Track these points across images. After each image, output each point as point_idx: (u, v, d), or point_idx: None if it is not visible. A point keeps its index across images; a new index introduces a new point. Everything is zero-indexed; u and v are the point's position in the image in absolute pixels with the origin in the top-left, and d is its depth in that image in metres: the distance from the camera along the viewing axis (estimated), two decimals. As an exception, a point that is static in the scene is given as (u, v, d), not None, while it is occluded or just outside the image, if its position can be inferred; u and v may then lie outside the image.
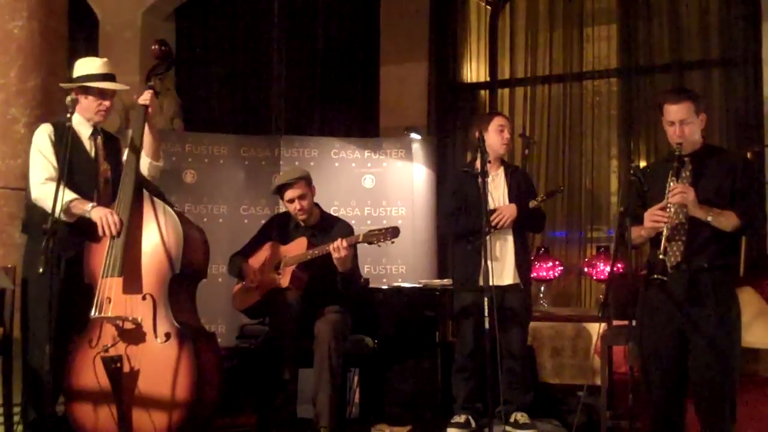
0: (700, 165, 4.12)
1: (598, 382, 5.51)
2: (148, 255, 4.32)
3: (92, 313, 4.17)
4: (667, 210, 3.99)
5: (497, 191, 5.35)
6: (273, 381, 5.05)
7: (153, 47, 4.70)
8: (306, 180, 5.31)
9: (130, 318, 4.18)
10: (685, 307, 4.03)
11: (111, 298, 4.20)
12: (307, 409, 5.03)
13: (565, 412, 5.64)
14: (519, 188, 5.37)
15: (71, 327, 4.25)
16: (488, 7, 8.26)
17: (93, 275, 4.31)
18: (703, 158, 4.14)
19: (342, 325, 5.06)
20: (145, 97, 4.52)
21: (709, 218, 3.97)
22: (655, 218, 4.02)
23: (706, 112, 4.21)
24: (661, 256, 4.00)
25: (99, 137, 4.56)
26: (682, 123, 4.05)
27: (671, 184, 4.00)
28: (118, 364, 4.07)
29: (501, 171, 5.42)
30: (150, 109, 4.53)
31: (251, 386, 5.36)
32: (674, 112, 4.08)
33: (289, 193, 5.26)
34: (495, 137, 5.33)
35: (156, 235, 4.36)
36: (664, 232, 3.99)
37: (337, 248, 4.89)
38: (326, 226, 5.36)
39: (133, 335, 4.19)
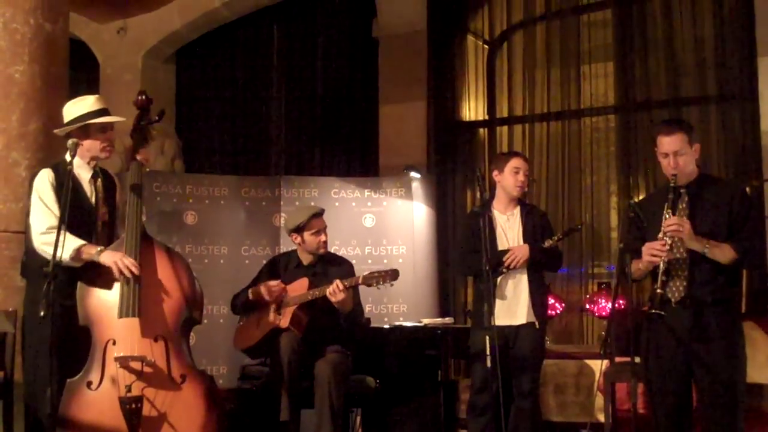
0: (696, 196, 4.13)
1: (602, 419, 5.49)
2: (164, 296, 4.27)
3: (104, 353, 4.09)
4: (665, 243, 4.00)
5: (512, 231, 5.27)
6: (274, 422, 5.02)
7: (137, 98, 4.66)
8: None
9: (147, 358, 4.08)
10: (690, 342, 4.02)
11: (116, 340, 4.12)
12: (309, 450, 5.01)
13: (569, 451, 5.61)
14: (535, 228, 5.28)
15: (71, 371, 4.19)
16: (486, 46, 8.32)
17: (89, 317, 4.20)
18: (700, 189, 4.14)
19: (343, 365, 5.05)
20: (144, 159, 4.53)
21: (705, 250, 3.97)
22: (652, 252, 4.02)
23: (701, 143, 4.23)
24: (658, 291, 4.01)
25: (99, 179, 4.53)
26: (676, 154, 4.07)
27: (667, 216, 4.01)
28: (138, 405, 3.96)
29: (517, 211, 5.33)
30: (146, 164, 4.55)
31: (253, 427, 5.33)
32: (667, 143, 4.10)
33: (318, 223, 5.34)
34: (510, 179, 5.25)
35: (171, 277, 4.32)
36: (661, 266, 4.00)
37: (334, 292, 4.91)
38: (327, 265, 5.38)
39: (147, 376, 4.08)
